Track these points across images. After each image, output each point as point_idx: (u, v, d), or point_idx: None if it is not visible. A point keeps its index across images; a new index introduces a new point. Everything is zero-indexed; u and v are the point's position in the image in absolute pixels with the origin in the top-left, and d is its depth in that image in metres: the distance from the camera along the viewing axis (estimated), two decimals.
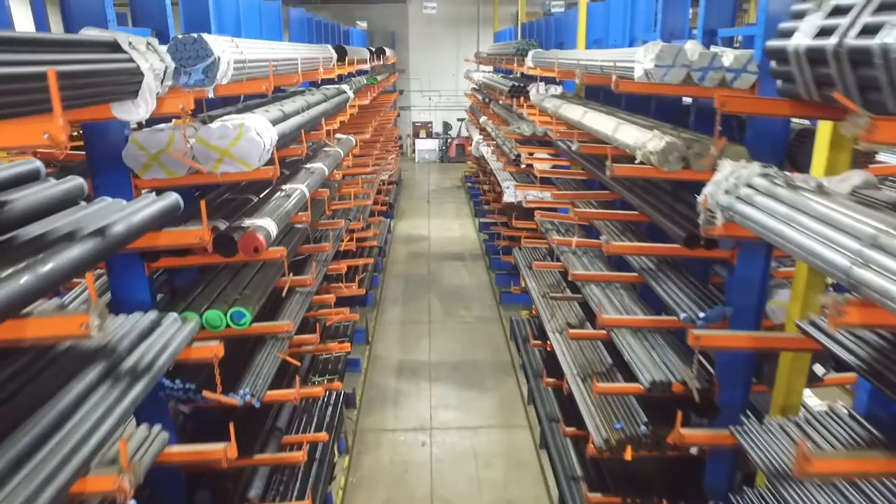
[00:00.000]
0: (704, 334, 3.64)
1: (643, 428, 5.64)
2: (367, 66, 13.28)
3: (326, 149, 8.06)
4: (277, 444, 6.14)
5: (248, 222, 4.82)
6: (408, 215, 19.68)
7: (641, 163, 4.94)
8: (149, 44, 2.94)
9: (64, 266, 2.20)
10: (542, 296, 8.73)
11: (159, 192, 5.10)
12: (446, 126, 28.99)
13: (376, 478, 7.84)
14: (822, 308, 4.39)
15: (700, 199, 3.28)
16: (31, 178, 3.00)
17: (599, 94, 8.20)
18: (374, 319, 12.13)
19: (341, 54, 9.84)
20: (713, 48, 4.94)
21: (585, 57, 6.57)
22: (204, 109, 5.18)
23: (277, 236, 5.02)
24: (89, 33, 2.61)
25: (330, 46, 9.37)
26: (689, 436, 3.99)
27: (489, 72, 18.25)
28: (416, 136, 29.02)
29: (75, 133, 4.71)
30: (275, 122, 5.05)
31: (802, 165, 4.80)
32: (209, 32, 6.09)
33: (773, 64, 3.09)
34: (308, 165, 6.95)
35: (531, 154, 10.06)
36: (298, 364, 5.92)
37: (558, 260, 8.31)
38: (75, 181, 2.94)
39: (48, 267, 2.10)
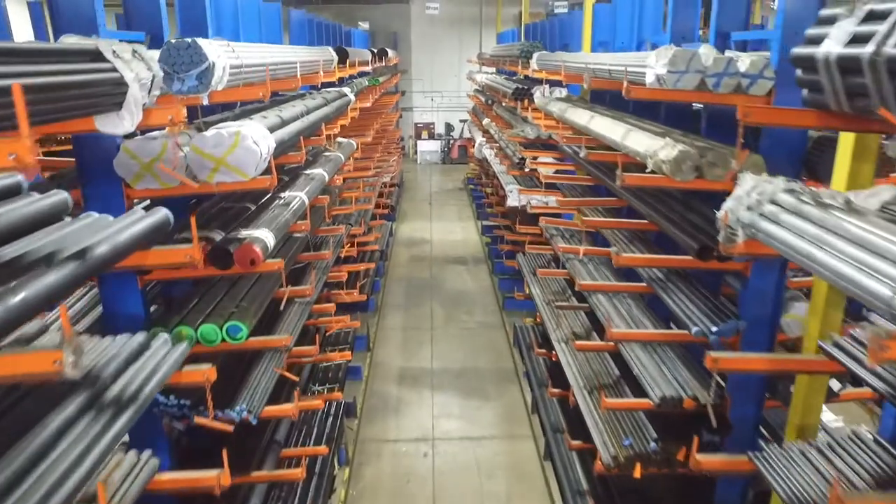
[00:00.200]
0: (722, 357, 3.46)
1: (652, 444, 5.46)
2: (368, 68, 13.10)
3: (327, 153, 7.89)
4: (276, 459, 5.96)
5: (244, 233, 4.65)
6: (410, 218, 19.51)
7: (652, 171, 4.76)
8: (135, 51, 2.77)
9: (38, 295, 2.02)
10: (547, 303, 8.55)
11: (153, 202, 4.97)
12: (448, 127, 28.81)
13: (377, 490, 7.67)
14: (843, 328, 4.22)
15: (719, 214, 3.10)
16: (12, 192, 2.82)
17: (606, 97, 8.01)
18: (376, 325, 11.96)
19: (342, 56, 9.67)
20: (727, 52, 4.75)
21: (593, 60, 6.39)
22: (199, 115, 5.01)
23: (275, 247, 4.85)
24: (68, 41, 2.44)
25: (331, 48, 9.19)
26: (706, 461, 3.81)
27: (492, 73, 18.07)
28: (419, 137, 28.84)
29: (63, 137, 4.54)
30: (272, 129, 4.88)
31: (821, 175, 4.62)
32: (206, 35, 5.93)
33: (798, 72, 2.91)
34: (308, 171, 6.78)
35: (535, 158, 9.87)
36: (297, 379, 5.74)
37: (563, 267, 8.13)
38: (59, 196, 2.77)
39: (19, 298, 1.93)
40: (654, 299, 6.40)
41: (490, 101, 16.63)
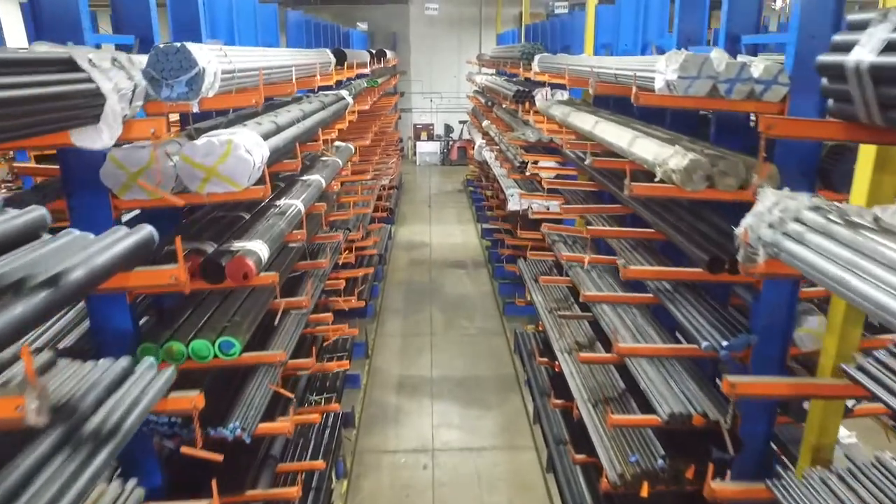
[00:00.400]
0: (740, 382, 3.28)
1: (660, 461, 5.28)
2: (367, 70, 12.91)
3: (324, 158, 7.71)
4: (271, 475, 5.77)
5: (237, 245, 4.47)
6: (409, 220, 19.32)
7: (661, 180, 4.58)
8: (114, 59, 2.59)
9: (3, 330, 1.84)
10: (549, 311, 8.37)
11: (142, 213, 4.78)
12: (448, 128, 28.62)
13: None
14: (862, 342, 4.04)
15: (738, 231, 2.92)
16: None
17: (609, 100, 7.83)
18: (374, 331, 11.77)
19: (340, 58, 9.49)
20: (740, 57, 4.58)
21: (598, 64, 6.21)
22: (190, 121, 4.83)
23: (270, 258, 4.67)
24: (39, 49, 2.26)
25: (328, 51, 9.02)
26: (720, 489, 3.63)
27: (491, 74, 17.89)
28: (418, 138, 28.65)
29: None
30: (266, 136, 4.69)
31: (836, 184, 4.45)
32: (199, 38, 5.75)
33: (824, 81, 2.73)
34: (304, 178, 6.59)
35: (536, 163, 9.69)
36: (291, 396, 5.56)
37: (566, 274, 7.96)
38: (35, 213, 2.58)
39: None
40: (659, 308, 6.22)
41: (490, 103, 16.45)
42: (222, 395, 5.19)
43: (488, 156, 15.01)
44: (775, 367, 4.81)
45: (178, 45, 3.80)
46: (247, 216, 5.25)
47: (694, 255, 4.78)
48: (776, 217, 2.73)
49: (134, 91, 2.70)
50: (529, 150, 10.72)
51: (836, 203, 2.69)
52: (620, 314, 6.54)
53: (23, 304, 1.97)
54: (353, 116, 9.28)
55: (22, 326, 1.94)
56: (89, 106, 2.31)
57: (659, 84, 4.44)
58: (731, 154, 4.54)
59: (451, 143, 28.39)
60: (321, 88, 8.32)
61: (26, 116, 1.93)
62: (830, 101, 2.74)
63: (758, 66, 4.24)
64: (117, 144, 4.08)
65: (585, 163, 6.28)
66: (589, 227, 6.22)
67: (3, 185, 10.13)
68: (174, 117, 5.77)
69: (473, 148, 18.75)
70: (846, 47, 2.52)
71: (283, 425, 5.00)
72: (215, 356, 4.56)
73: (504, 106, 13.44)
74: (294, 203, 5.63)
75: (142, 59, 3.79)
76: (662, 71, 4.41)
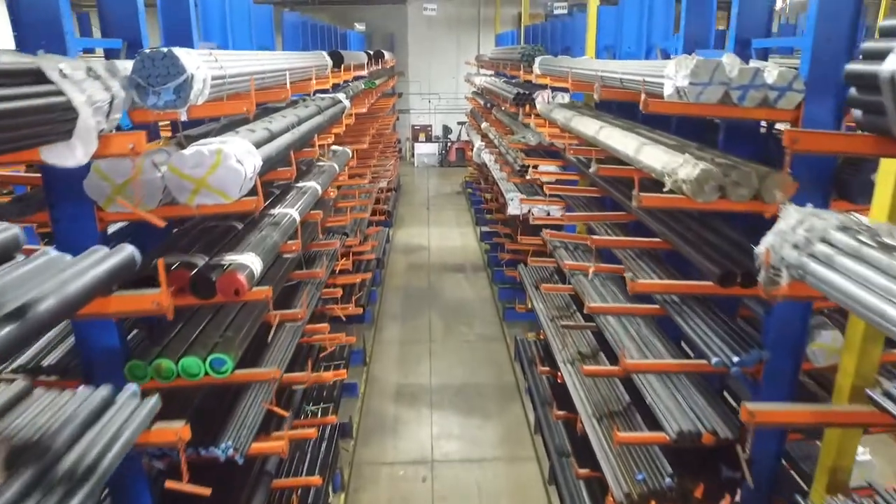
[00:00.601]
0: (760, 410, 3.10)
1: (668, 480, 5.11)
2: (364, 72, 12.72)
3: (320, 164, 7.52)
4: (266, 492, 5.59)
5: (228, 258, 4.27)
6: (407, 223, 19.13)
7: (670, 190, 4.40)
8: (90, 69, 2.40)
9: None
10: (551, 320, 8.19)
11: (129, 224, 4.59)
12: (446, 130, 28.43)
13: None
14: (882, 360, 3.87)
15: (759, 250, 2.74)
16: None
17: (612, 104, 7.64)
18: (372, 338, 11.58)
19: (337, 61, 9.30)
20: (752, 62, 4.40)
21: (602, 67, 6.02)
22: (180, 128, 4.64)
23: (263, 271, 4.48)
24: (2, 59, 2.07)
25: (325, 53, 8.82)
26: None
27: (490, 75, 17.70)
28: (416, 139, 28.45)
29: None
30: (259, 144, 4.50)
31: (853, 195, 4.27)
32: (191, 41, 5.55)
33: (852, 91, 2.55)
34: (300, 184, 6.40)
35: (536, 167, 9.51)
36: (286, 415, 5.37)
37: (568, 282, 7.78)
38: (7, 233, 2.38)
39: None
40: (665, 317, 6.04)
41: (489, 105, 16.26)
42: (214, 411, 5.01)
43: (487, 158, 14.83)
44: (787, 384, 4.65)
45: (165, 50, 3.61)
46: (240, 226, 5.06)
47: (704, 268, 4.60)
48: (801, 237, 2.56)
49: (111, 103, 2.51)
50: (530, 153, 10.54)
51: (864, 222, 2.52)
52: (625, 324, 6.36)
53: None
54: (350, 120, 9.09)
55: None
56: (60, 121, 2.12)
57: (668, 90, 4.26)
58: (742, 163, 4.36)
59: (449, 144, 28.20)
60: (317, 91, 8.13)
61: None
62: (859, 113, 2.56)
63: (772, 71, 4.06)
64: None
65: (590, 170, 6.10)
66: (593, 237, 6.03)
67: None
68: (165, 122, 5.58)
69: (472, 149, 18.56)
70: (879, 55, 2.35)
71: (277, 445, 4.81)
72: (206, 374, 4.38)
73: (503, 108, 13.26)
74: (289, 212, 5.44)
75: (127, 65, 3.61)
76: (672, 76, 4.23)
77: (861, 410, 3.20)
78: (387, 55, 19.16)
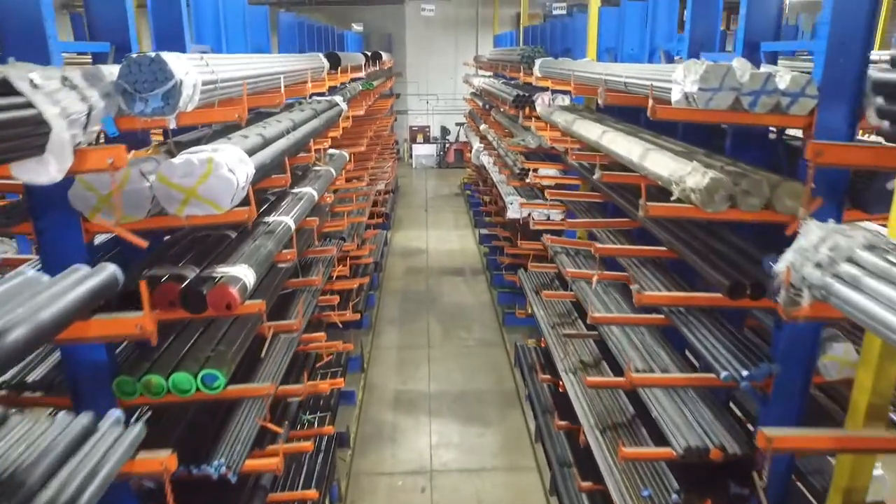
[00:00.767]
0: (777, 436, 2.95)
1: (674, 497, 4.96)
2: (362, 74, 12.56)
3: (317, 168, 7.36)
4: None
5: (220, 271, 4.12)
6: (405, 225, 18.98)
7: (678, 199, 4.25)
8: (65, 79, 2.24)
9: None
10: (552, 327, 8.04)
11: (115, 235, 4.42)
12: (444, 131, 28.29)
13: None
14: None
15: (778, 268, 2.60)
16: None
17: (614, 107, 7.49)
18: (370, 344, 11.42)
19: (334, 62, 9.14)
20: (763, 67, 4.25)
21: (605, 71, 5.87)
22: (170, 135, 4.48)
23: (256, 283, 4.32)
24: None
25: (321, 55, 8.66)
26: None
27: (489, 77, 17.55)
28: (414, 140, 28.30)
29: None
30: (252, 152, 4.34)
31: (868, 205, 4.12)
32: (183, 44, 5.38)
33: (879, 100, 2.41)
34: (295, 190, 6.24)
35: (536, 171, 9.36)
36: (280, 431, 5.22)
37: (569, 288, 7.62)
38: None
39: None
40: (669, 326, 5.90)
41: (488, 107, 16.11)
42: (206, 427, 4.85)
43: (486, 160, 14.68)
44: (798, 398, 4.50)
45: (153, 55, 3.46)
46: (233, 235, 4.91)
47: (713, 279, 4.45)
48: (825, 256, 2.41)
49: (89, 114, 2.35)
50: (529, 156, 10.39)
51: (894, 242, 2.37)
52: (628, 333, 6.21)
53: None
54: (347, 123, 8.93)
55: None
56: (31, 135, 1.97)
57: (676, 96, 4.11)
58: (752, 171, 4.22)
59: (447, 145, 28.05)
60: (314, 94, 7.98)
61: None
62: (886, 123, 2.41)
63: (784, 76, 3.91)
64: None
65: (594, 177, 5.94)
66: (597, 246, 5.87)
67: None
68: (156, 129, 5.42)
69: (470, 151, 18.41)
70: None
71: (271, 462, 4.66)
72: (198, 390, 4.22)
73: (503, 110, 13.11)
74: (284, 220, 5.28)
75: (114, 71, 3.45)
76: (680, 81, 4.08)
77: (886, 436, 3.06)
78: (384, 56, 18.99)
